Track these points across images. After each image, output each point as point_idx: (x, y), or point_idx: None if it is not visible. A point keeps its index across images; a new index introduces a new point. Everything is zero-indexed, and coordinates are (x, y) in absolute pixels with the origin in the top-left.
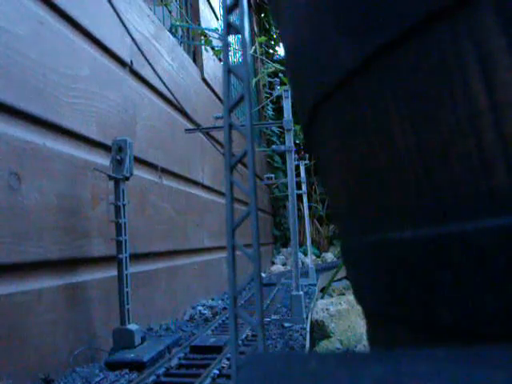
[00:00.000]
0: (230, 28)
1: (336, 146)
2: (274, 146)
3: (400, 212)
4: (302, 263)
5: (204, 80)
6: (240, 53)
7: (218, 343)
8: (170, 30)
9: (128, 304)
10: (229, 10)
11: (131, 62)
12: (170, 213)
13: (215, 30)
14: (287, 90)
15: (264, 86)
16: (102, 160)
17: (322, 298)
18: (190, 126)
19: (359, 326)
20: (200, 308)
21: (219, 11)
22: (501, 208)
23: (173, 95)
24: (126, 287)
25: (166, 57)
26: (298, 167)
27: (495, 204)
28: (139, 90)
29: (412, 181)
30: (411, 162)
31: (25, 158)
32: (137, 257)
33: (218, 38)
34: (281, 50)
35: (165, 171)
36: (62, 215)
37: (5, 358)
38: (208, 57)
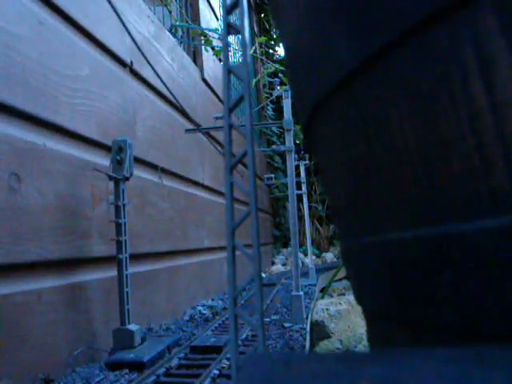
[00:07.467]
0: (229, 28)
1: (336, 145)
2: (274, 146)
3: (400, 212)
4: (302, 263)
5: (204, 80)
6: (240, 53)
7: (218, 343)
8: (170, 30)
9: (128, 304)
10: (229, 11)
11: (131, 62)
12: (170, 213)
13: (215, 30)
14: (287, 90)
15: (264, 86)
16: (102, 160)
17: (322, 298)
18: (189, 126)
19: (359, 326)
20: (200, 308)
21: (219, 11)
22: (501, 208)
23: (173, 95)
24: (126, 287)
25: (166, 57)
26: (298, 167)
27: (495, 204)
28: (139, 90)
29: (412, 181)
30: (411, 162)
31: (25, 158)
32: (137, 257)
33: (218, 38)
34: (281, 50)
35: (165, 171)
36: (62, 215)
37: (5, 358)
38: (208, 57)
